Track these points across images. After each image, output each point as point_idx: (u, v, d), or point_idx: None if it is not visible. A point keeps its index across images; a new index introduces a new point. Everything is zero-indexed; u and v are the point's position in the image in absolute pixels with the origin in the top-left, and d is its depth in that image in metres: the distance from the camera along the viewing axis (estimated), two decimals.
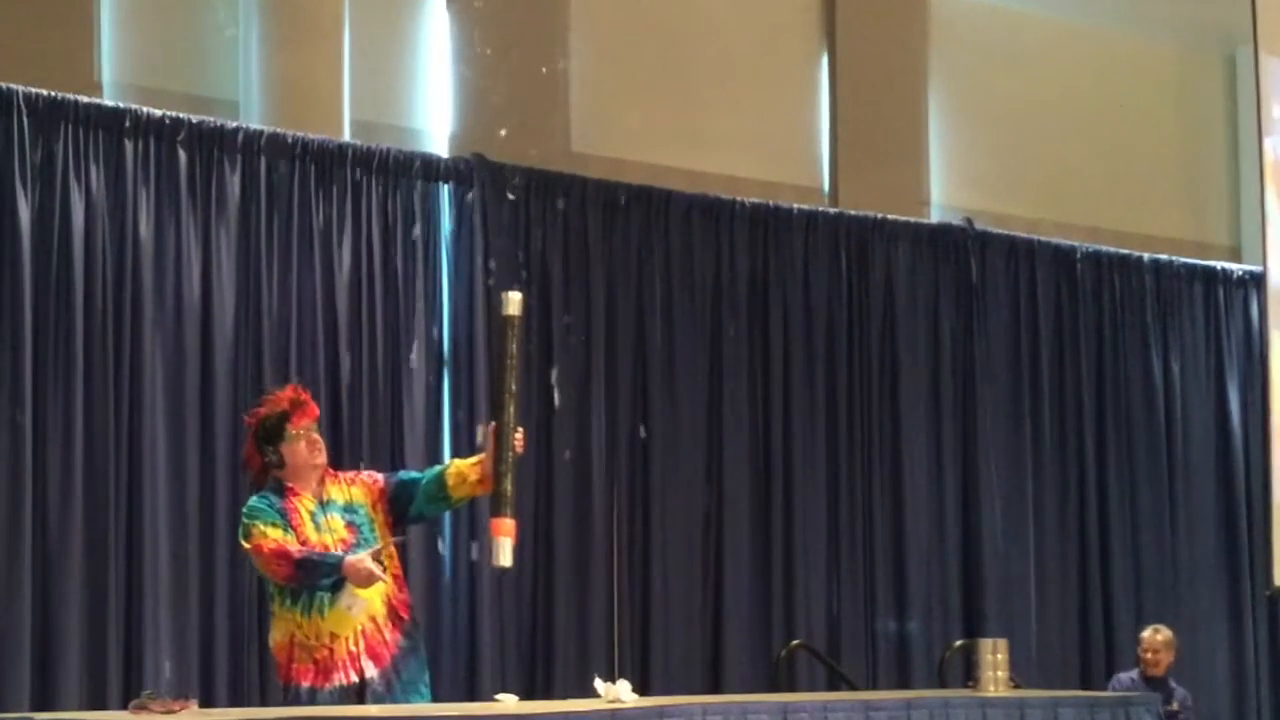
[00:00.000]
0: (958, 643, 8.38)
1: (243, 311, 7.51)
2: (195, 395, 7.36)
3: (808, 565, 8.95)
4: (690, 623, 8.60)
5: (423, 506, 5.86)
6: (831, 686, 8.47)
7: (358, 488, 5.84)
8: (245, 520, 5.66)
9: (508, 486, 5.65)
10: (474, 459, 5.82)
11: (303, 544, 5.59)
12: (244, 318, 7.51)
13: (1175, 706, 8.79)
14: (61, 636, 6.93)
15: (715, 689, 8.41)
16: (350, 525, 5.75)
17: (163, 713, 4.72)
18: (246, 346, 7.50)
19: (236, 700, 7.20)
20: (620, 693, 5.55)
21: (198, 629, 7.26)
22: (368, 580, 5.49)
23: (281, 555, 5.53)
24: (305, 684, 5.54)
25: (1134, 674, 9.02)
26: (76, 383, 7.06)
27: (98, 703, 6.89)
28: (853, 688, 8.25)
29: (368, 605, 5.55)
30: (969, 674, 6.97)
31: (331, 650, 5.56)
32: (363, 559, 5.49)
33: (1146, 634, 9.04)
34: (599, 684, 5.67)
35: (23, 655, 6.84)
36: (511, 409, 5.69)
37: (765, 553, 8.86)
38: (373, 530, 5.75)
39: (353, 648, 5.60)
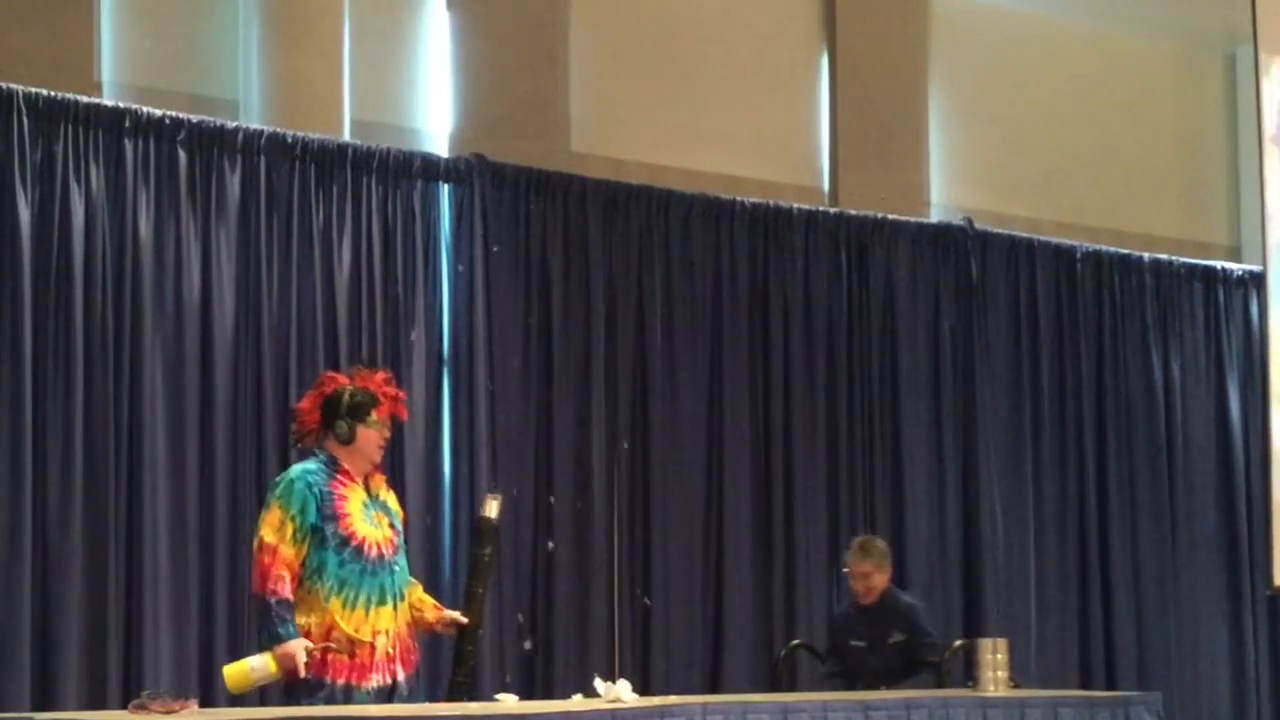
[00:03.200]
0: (957, 642, 8.37)
1: (242, 311, 7.51)
2: (195, 395, 7.36)
3: (808, 564, 8.95)
4: (691, 622, 8.60)
5: None
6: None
7: (393, 496, 5.89)
8: (280, 497, 5.56)
9: (464, 679, 5.93)
10: (434, 602, 5.96)
11: (349, 536, 5.57)
12: (244, 317, 7.51)
13: (899, 637, 7.55)
14: (62, 637, 6.93)
15: (715, 688, 8.42)
16: (392, 527, 5.77)
17: (162, 713, 4.71)
18: (246, 346, 7.51)
19: (236, 700, 7.18)
20: (620, 692, 5.55)
21: (197, 629, 7.26)
22: (290, 670, 5.44)
23: (263, 578, 5.47)
24: (341, 680, 5.52)
25: (847, 608, 7.86)
26: (76, 383, 7.06)
27: (97, 703, 6.89)
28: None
29: (272, 676, 5.48)
30: (969, 674, 6.97)
31: (373, 648, 5.56)
32: (299, 652, 5.43)
33: (852, 555, 7.74)
34: (599, 684, 5.67)
35: (23, 655, 6.84)
36: (476, 609, 5.96)
37: (766, 552, 8.86)
38: (404, 542, 5.80)
39: (390, 649, 5.62)
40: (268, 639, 5.45)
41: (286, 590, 5.46)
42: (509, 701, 5.80)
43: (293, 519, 5.52)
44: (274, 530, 5.51)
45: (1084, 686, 9.44)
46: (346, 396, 5.73)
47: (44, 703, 6.81)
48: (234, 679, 5.44)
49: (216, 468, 7.37)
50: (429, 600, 5.97)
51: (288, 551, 5.49)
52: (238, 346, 7.48)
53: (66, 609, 6.95)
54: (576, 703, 5.60)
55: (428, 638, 6.22)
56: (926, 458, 9.41)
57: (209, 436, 7.38)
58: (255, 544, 5.57)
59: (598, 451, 8.40)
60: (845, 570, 7.77)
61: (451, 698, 5.90)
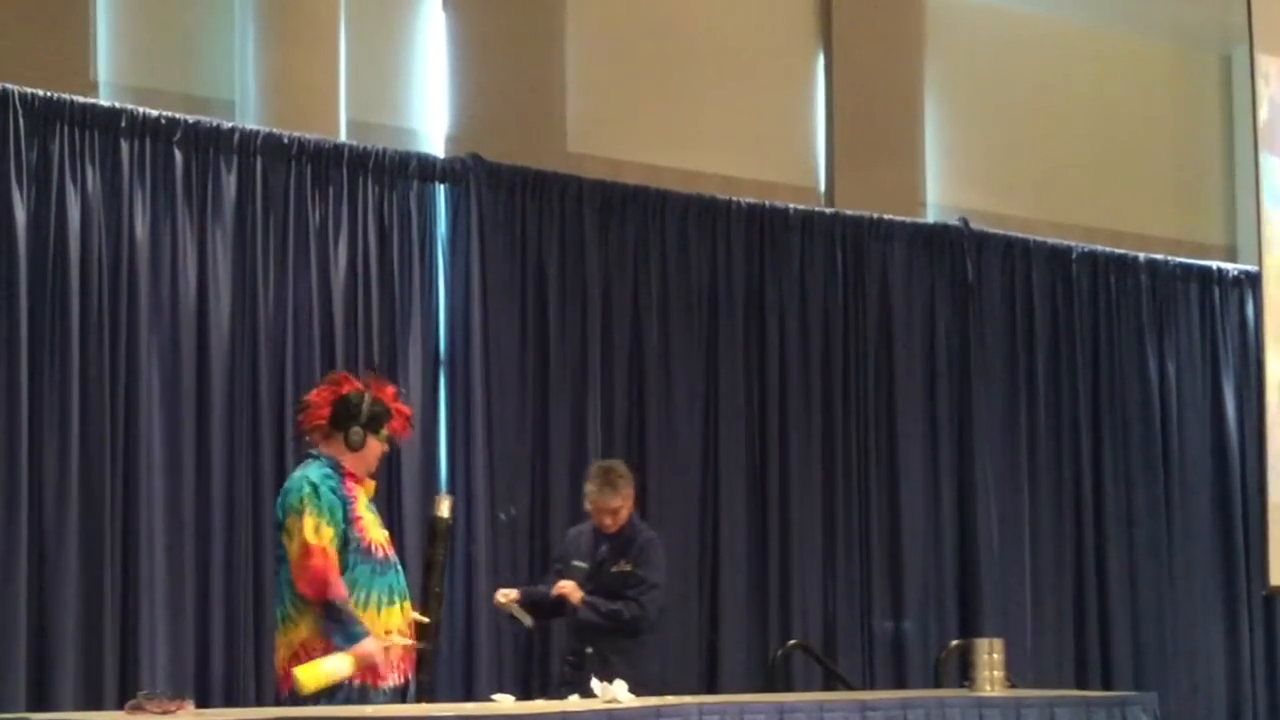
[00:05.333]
0: (954, 642, 8.38)
1: (239, 312, 7.51)
2: (191, 396, 7.36)
3: (804, 565, 8.96)
4: (687, 622, 8.59)
5: None
6: (828, 686, 8.47)
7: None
8: (309, 502, 5.57)
9: (426, 677, 5.98)
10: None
11: (361, 537, 5.61)
12: (240, 318, 7.51)
13: (625, 567, 7.00)
14: (57, 637, 6.93)
15: (712, 689, 8.41)
16: (386, 529, 5.82)
17: (159, 713, 4.72)
18: (242, 347, 7.50)
19: (232, 700, 7.20)
20: (617, 693, 5.56)
21: (193, 629, 7.26)
22: (371, 668, 5.52)
23: (324, 583, 5.52)
24: (356, 681, 5.54)
25: (584, 528, 7.20)
26: (72, 383, 7.05)
27: (93, 703, 6.89)
28: (849, 688, 8.26)
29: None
30: (965, 674, 6.98)
31: (387, 649, 5.59)
32: (378, 651, 5.54)
33: (594, 486, 7.07)
34: (595, 684, 5.68)
35: (19, 656, 6.83)
36: (434, 608, 6.05)
37: (761, 552, 8.86)
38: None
39: (401, 649, 5.66)
40: (342, 640, 5.48)
41: (345, 591, 5.50)
42: (506, 702, 5.81)
43: (330, 524, 5.57)
44: (314, 534, 5.53)
45: (1080, 687, 9.44)
46: (366, 405, 5.75)
47: (39, 703, 6.80)
48: (310, 680, 5.47)
49: (212, 467, 7.37)
50: None
51: (334, 554, 5.53)
52: (234, 347, 7.48)
53: (62, 609, 6.94)
54: (573, 703, 5.62)
55: None
56: (922, 457, 9.41)
57: (205, 436, 7.38)
58: (297, 550, 5.56)
59: (593, 450, 8.39)
60: (586, 502, 7.12)
61: (420, 696, 5.93)
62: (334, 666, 5.48)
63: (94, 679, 6.99)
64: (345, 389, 5.82)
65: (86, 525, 7.03)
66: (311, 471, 5.70)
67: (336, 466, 5.71)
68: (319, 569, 5.51)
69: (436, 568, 6.12)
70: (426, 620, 5.98)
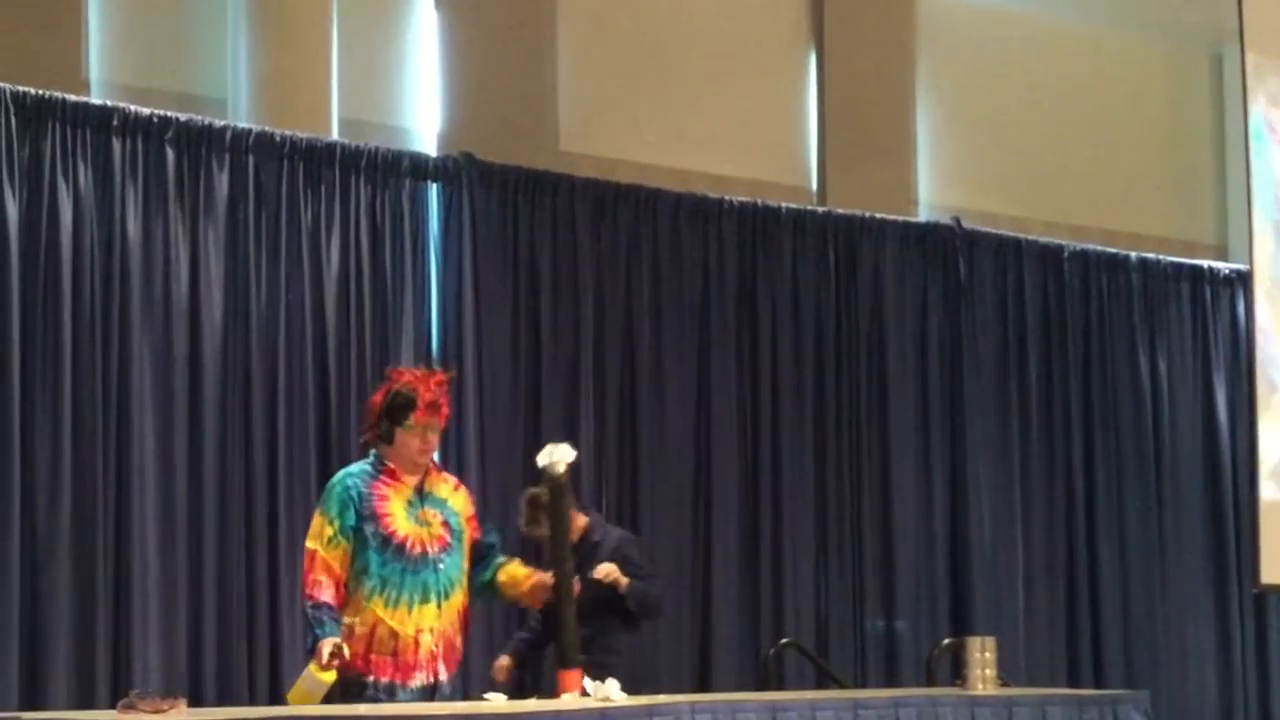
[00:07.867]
0: (946, 641, 8.39)
1: (231, 310, 7.51)
2: (183, 395, 7.35)
3: (796, 563, 8.96)
4: (679, 621, 8.60)
5: (473, 585, 5.91)
6: (820, 685, 8.48)
7: (461, 496, 5.90)
8: (324, 501, 5.68)
9: (570, 637, 5.83)
10: (527, 570, 5.95)
11: (390, 535, 5.60)
12: (232, 317, 7.51)
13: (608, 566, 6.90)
14: (50, 636, 6.93)
15: (704, 687, 8.42)
16: (446, 524, 5.77)
17: (151, 712, 4.71)
18: (234, 345, 7.50)
19: (225, 699, 7.19)
20: (610, 692, 5.56)
21: (186, 628, 7.26)
22: (326, 662, 5.49)
23: (305, 583, 5.60)
24: (385, 679, 5.56)
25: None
26: (65, 382, 7.05)
27: (86, 702, 6.89)
28: (841, 686, 8.26)
29: (322, 686, 5.50)
30: (957, 672, 6.99)
31: (418, 646, 5.59)
32: (324, 647, 5.49)
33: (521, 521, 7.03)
34: (588, 683, 5.68)
35: (11, 655, 6.83)
36: (568, 565, 5.89)
37: (754, 550, 8.87)
38: (461, 542, 5.78)
39: (434, 648, 5.64)
40: (310, 642, 5.54)
41: (323, 594, 5.56)
42: (498, 701, 5.81)
43: (332, 523, 5.61)
44: (315, 536, 5.64)
45: (1072, 685, 9.45)
46: (389, 398, 5.76)
47: (32, 702, 6.80)
48: (295, 697, 5.50)
49: (205, 465, 7.37)
50: (521, 570, 5.96)
51: (327, 556, 5.57)
52: (226, 345, 7.47)
53: (55, 609, 6.94)
54: (566, 702, 5.61)
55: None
56: (914, 456, 9.42)
57: (197, 435, 7.37)
58: (309, 542, 5.66)
59: (585, 449, 8.39)
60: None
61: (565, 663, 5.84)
62: (307, 678, 5.49)
63: (87, 678, 6.99)
64: (390, 384, 5.83)
65: (79, 523, 7.03)
66: (341, 471, 5.80)
67: (378, 462, 5.74)
68: (305, 571, 5.63)
69: (560, 530, 5.90)
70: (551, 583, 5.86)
